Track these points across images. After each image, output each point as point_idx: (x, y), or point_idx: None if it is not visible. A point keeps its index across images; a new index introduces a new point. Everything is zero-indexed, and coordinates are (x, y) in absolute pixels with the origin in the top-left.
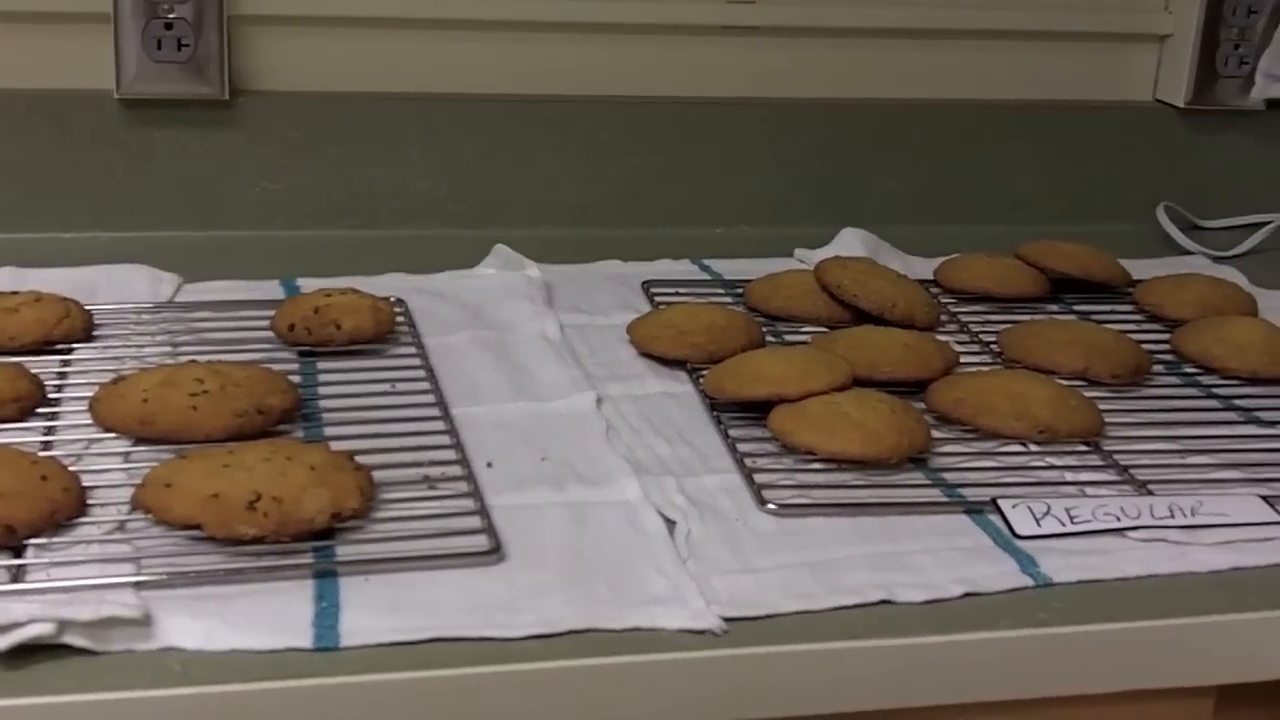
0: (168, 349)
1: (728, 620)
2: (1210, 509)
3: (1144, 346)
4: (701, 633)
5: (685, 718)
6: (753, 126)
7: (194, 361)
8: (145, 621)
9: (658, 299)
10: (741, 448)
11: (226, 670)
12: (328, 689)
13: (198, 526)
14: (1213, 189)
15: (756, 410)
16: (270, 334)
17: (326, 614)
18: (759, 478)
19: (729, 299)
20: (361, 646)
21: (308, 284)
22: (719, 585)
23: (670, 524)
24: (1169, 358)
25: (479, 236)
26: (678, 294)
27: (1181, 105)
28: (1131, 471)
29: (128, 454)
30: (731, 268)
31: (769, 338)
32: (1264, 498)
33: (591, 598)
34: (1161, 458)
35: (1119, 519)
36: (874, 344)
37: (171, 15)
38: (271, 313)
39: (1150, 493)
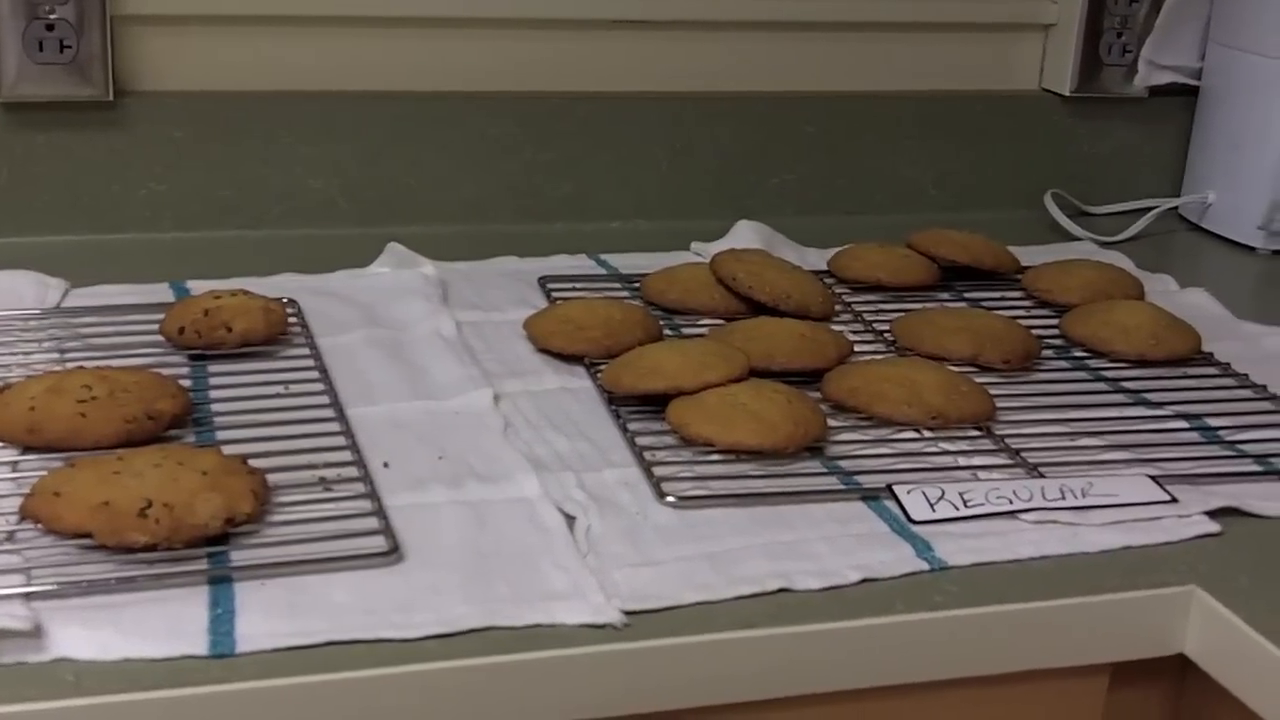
0: (55, 355)
1: (628, 614)
2: (1100, 490)
3: (1033, 331)
4: (602, 627)
5: (587, 712)
6: (645, 121)
7: (81, 368)
8: (36, 633)
9: (554, 294)
10: (640, 441)
11: (121, 680)
12: (224, 696)
13: (89, 535)
14: (1099, 175)
15: (655, 403)
16: (159, 338)
17: (222, 620)
18: (658, 471)
19: (625, 293)
20: (258, 652)
21: (197, 286)
22: (619, 579)
23: (570, 519)
24: (1058, 342)
25: (372, 235)
26: (574, 289)
27: (1067, 93)
28: (1023, 455)
29: (15, 463)
30: (627, 262)
31: (666, 331)
32: (1152, 477)
33: (491, 595)
34: (1052, 440)
35: (1011, 502)
36: (770, 335)
37: (53, 16)
38: (160, 316)
39: (1041, 475)
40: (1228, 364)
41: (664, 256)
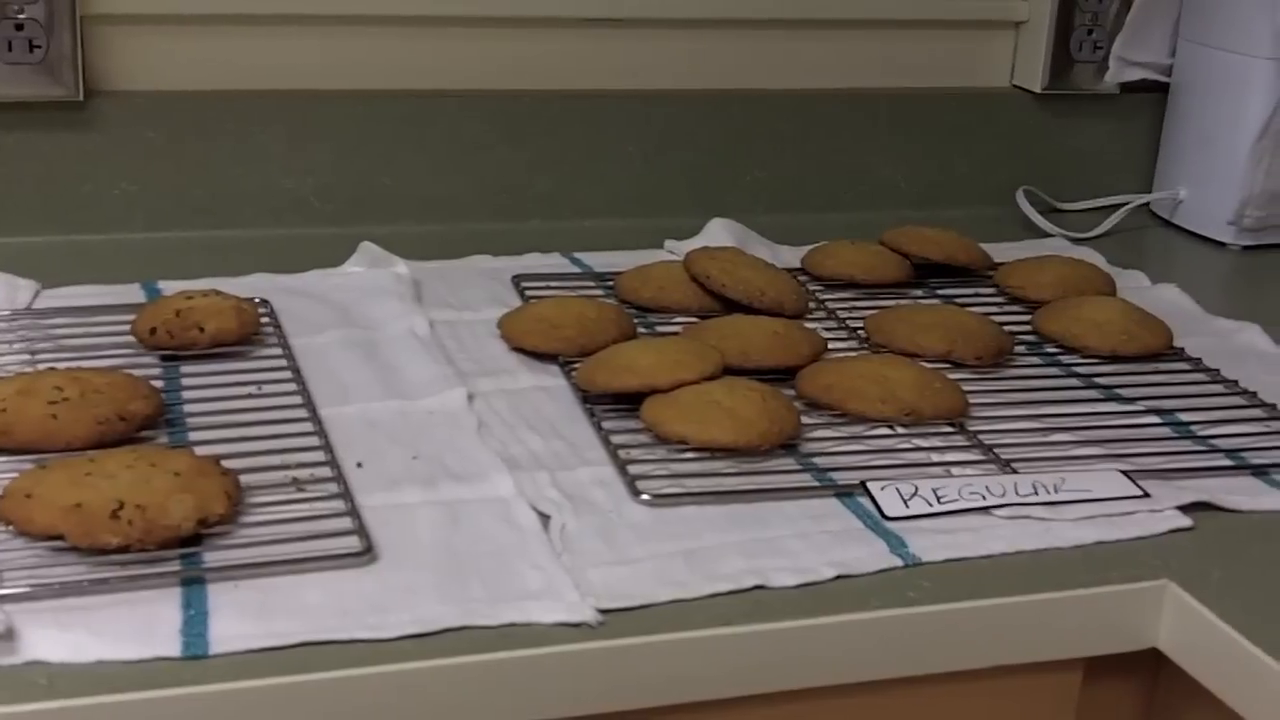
0: (25, 357)
1: (603, 612)
2: (1073, 485)
3: (1006, 328)
4: (577, 625)
5: (563, 711)
6: (618, 119)
7: (53, 369)
8: (9, 635)
9: (528, 293)
10: (615, 439)
11: (94, 682)
12: (197, 698)
13: (61, 537)
14: (1070, 172)
15: (629, 402)
16: (131, 339)
17: (195, 621)
18: (632, 469)
19: (600, 291)
20: (231, 653)
21: (169, 286)
22: (594, 577)
23: (545, 518)
24: (1030, 338)
25: (345, 234)
26: (548, 287)
27: (1038, 90)
28: (996, 451)
29: None
30: (601, 260)
31: (640, 329)
32: (1125, 472)
33: (466, 595)
34: (1025, 436)
35: (984, 498)
36: (744, 332)
37: (22, 16)
38: (132, 317)
39: (1014, 471)
40: (1199, 359)
41: (638, 254)
